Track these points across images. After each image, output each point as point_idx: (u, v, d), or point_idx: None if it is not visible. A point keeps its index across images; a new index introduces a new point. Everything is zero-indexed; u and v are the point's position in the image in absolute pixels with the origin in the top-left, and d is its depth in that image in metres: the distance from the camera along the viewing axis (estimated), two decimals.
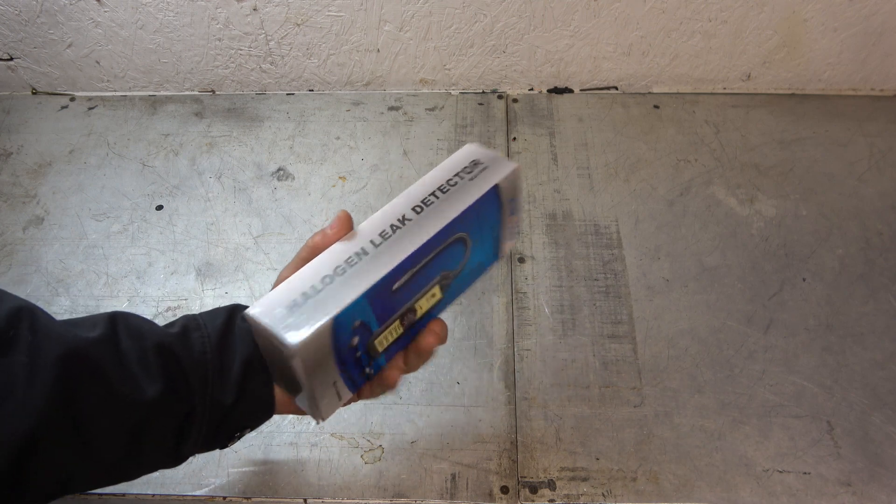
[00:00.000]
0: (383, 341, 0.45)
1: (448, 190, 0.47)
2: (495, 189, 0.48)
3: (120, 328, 0.42)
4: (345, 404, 0.46)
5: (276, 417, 0.59)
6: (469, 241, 0.48)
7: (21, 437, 0.36)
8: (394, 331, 0.45)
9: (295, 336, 0.39)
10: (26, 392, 0.37)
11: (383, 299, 0.44)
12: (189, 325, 0.44)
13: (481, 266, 0.50)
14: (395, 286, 0.45)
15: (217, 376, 0.43)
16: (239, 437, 0.47)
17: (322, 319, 0.40)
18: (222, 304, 0.48)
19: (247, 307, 0.46)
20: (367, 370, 0.45)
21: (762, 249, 0.69)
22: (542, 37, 0.79)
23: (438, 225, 0.46)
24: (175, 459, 0.44)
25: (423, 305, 0.47)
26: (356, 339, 0.43)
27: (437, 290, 0.48)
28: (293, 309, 0.40)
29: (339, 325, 0.42)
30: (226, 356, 0.44)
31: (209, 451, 0.46)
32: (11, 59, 0.83)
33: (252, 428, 0.47)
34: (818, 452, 0.57)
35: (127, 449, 0.41)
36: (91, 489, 0.42)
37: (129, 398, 0.40)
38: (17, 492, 0.38)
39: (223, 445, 0.47)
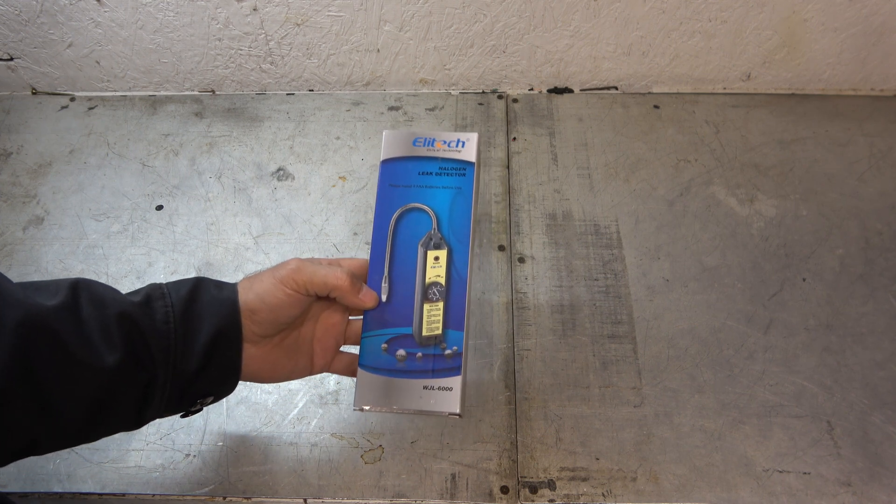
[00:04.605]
0: (431, 326, 0.47)
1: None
2: (385, 162, 0.51)
3: (82, 296, 0.42)
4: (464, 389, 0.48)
5: (276, 418, 0.59)
6: (418, 206, 0.50)
7: None
8: (432, 311, 0.48)
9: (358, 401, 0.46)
10: None
11: (382, 313, 0.48)
12: (153, 295, 0.44)
13: (460, 187, 0.51)
14: (384, 298, 0.47)
15: (181, 346, 0.43)
16: (202, 405, 0.47)
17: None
18: None
19: (213, 280, 0.47)
20: (448, 351, 0.47)
21: (762, 249, 0.69)
22: (542, 37, 0.79)
23: (374, 226, 0.50)
24: (136, 423, 0.45)
25: (437, 273, 0.49)
26: (401, 352, 0.47)
27: (434, 254, 0.49)
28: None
29: (365, 366, 0.47)
30: (190, 325, 0.44)
31: (172, 415, 0.47)
32: (11, 59, 0.83)
33: (217, 396, 0.48)
34: (818, 452, 0.57)
35: (88, 414, 0.41)
36: (56, 450, 0.43)
37: (88, 366, 0.40)
38: None
39: (186, 412, 0.48)
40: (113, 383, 0.41)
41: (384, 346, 0.47)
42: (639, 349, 0.63)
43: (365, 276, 0.49)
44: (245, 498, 0.56)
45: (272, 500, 0.56)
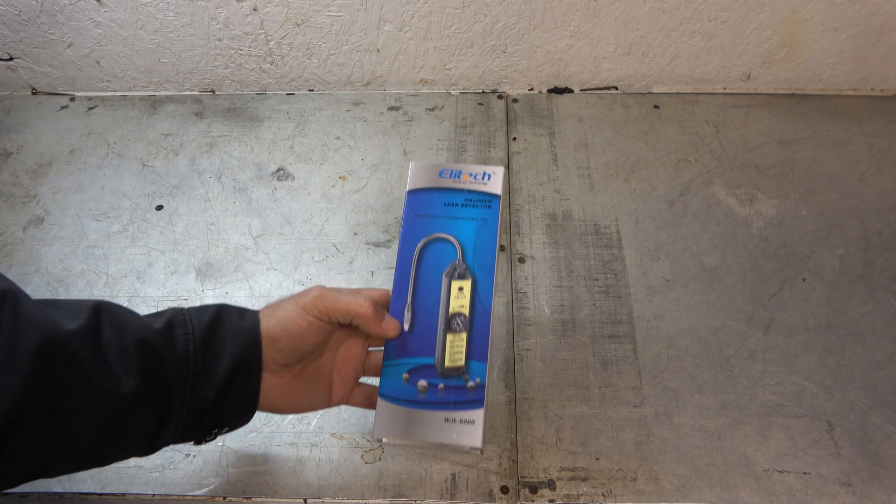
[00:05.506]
0: (454, 357, 0.47)
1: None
2: (410, 192, 0.51)
3: (104, 319, 0.42)
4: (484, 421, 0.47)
5: (276, 418, 0.59)
6: (443, 236, 0.50)
7: None
8: (456, 342, 0.47)
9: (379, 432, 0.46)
10: (3, 378, 0.37)
11: (404, 342, 0.48)
12: (175, 321, 0.44)
13: (486, 219, 0.51)
14: (406, 327, 0.47)
15: (199, 374, 0.43)
16: (217, 434, 0.47)
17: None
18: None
19: (236, 307, 0.47)
20: (470, 383, 0.46)
21: (762, 249, 0.69)
22: (542, 37, 0.79)
23: (398, 255, 0.49)
24: (149, 449, 0.44)
25: (461, 303, 0.48)
26: (422, 382, 0.46)
27: (459, 284, 0.49)
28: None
29: (385, 396, 0.46)
30: (210, 354, 0.44)
31: (185, 443, 0.47)
32: (11, 59, 0.83)
33: (232, 427, 0.47)
34: (818, 452, 0.57)
35: (103, 439, 0.41)
36: (67, 473, 0.43)
37: (105, 391, 0.40)
38: None
39: (200, 441, 0.47)
40: (129, 410, 0.41)
41: (405, 375, 0.46)
42: (639, 349, 0.63)
43: (386, 305, 0.49)
44: (245, 498, 0.56)
45: (272, 500, 0.56)
